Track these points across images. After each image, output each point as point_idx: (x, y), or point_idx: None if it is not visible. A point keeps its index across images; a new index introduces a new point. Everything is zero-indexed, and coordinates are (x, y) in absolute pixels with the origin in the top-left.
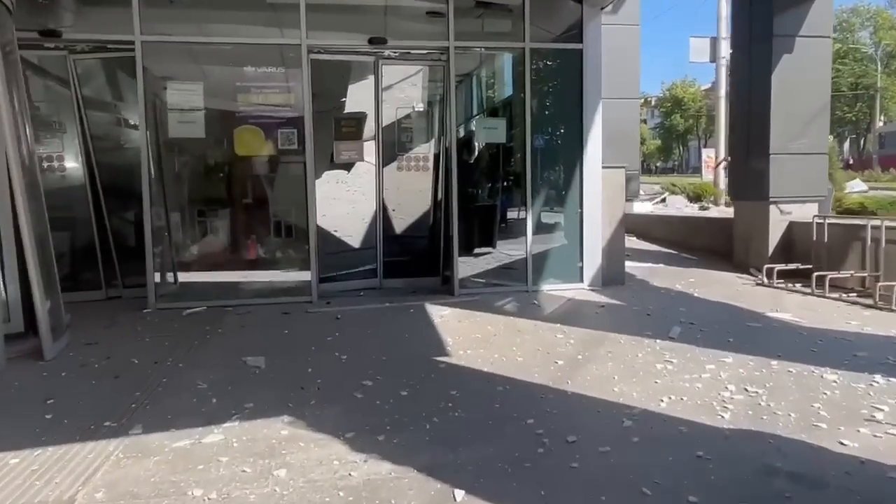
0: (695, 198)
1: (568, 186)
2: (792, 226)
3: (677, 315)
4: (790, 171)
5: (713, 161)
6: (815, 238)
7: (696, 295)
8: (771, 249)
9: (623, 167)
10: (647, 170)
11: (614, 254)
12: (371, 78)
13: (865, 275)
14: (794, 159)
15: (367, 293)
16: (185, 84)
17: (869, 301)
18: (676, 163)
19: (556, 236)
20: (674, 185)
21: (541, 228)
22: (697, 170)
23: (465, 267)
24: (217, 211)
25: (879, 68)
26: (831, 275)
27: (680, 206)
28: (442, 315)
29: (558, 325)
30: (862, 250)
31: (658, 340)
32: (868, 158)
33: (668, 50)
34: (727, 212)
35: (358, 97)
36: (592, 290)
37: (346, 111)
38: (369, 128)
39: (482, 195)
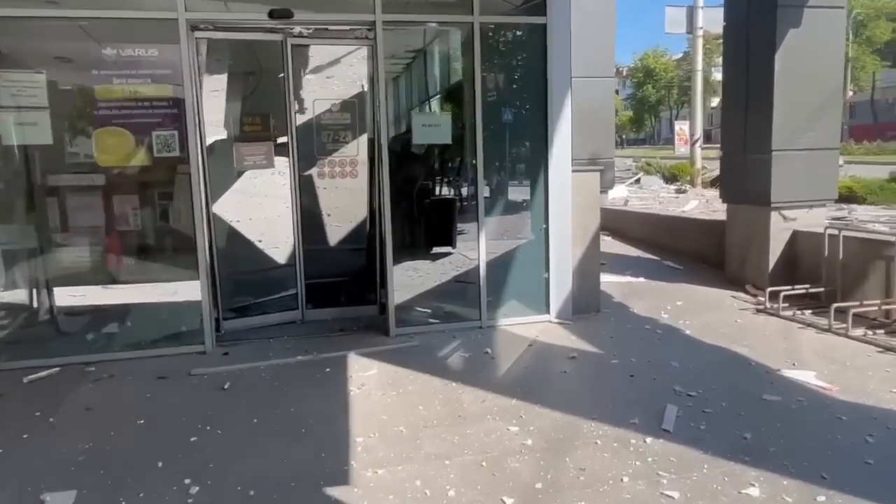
0: (671, 178)
1: (530, 196)
2: (797, 236)
3: (668, 375)
4: (796, 171)
5: (685, 134)
6: (826, 254)
7: (687, 333)
8: (772, 264)
9: (599, 169)
10: (619, 142)
11: (588, 276)
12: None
13: (895, 307)
14: (800, 157)
15: (283, 332)
16: (21, 75)
17: None
18: (648, 134)
19: (517, 257)
20: (648, 164)
21: (497, 247)
22: (669, 141)
23: (409, 288)
24: (76, 236)
25: (850, 38)
26: (854, 308)
27: (656, 189)
28: (362, 383)
29: (514, 400)
30: (887, 272)
31: (648, 439)
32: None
33: (640, 17)
34: (707, 195)
35: (268, 88)
36: (562, 323)
37: (250, 106)
38: (284, 126)
39: (431, 196)
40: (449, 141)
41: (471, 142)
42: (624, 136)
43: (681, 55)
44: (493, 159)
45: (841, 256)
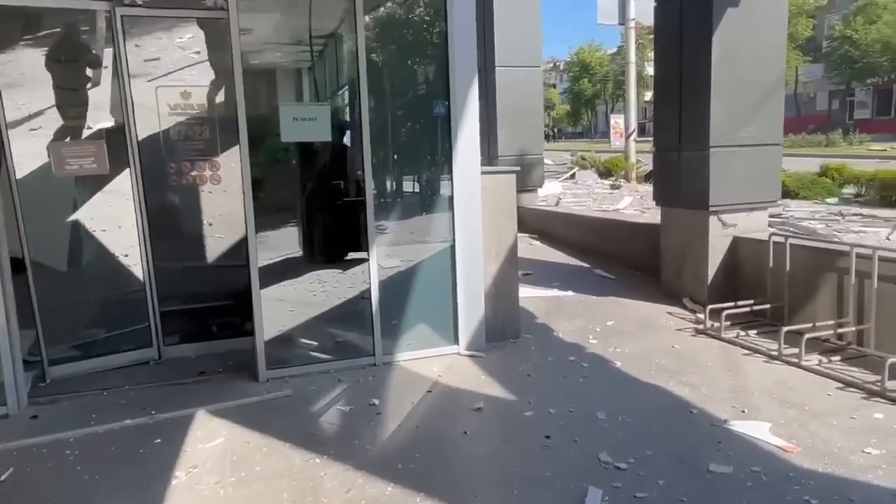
0: (605, 173)
1: (431, 207)
2: (738, 243)
3: (592, 433)
4: (736, 170)
5: (620, 127)
6: (771, 265)
7: (617, 366)
8: (711, 274)
9: (513, 171)
10: (557, 136)
11: (506, 297)
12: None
13: (851, 329)
14: (741, 154)
15: (128, 377)
16: None
17: (866, 375)
18: (585, 127)
19: (419, 277)
20: (584, 158)
21: (396, 263)
22: (606, 134)
23: (296, 312)
24: None
25: None
26: (807, 332)
27: (590, 184)
28: (194, 464)
29: (391, 487)
30: (839, 286)
31: None
32: None
33: (574, 10)
34: (642, 191)
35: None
36: (472, 356)
37: (71, 96)
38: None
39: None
40: (328, 138)
41: (357, 143)
42: (558, 130)
43: (615, 49)
44: (386, 160)
45: (788, 268)
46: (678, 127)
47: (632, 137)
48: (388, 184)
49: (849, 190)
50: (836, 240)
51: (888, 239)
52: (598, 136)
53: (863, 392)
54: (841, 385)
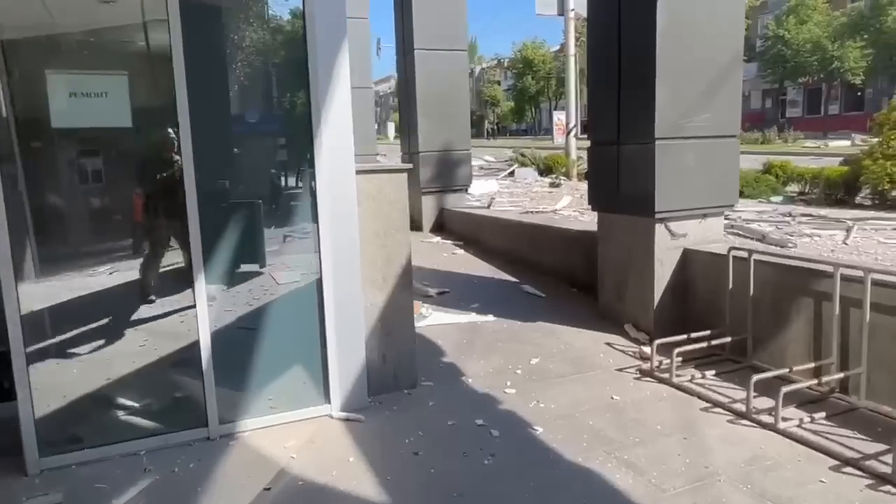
0: (546, 170)
1: (288, 225)
2: (689, 257)
3: None
4: (686, 167)
5: (563, 124)
6: (731, 285)
7: (538, 434)
8: (658, 296)
9: (404, 168)
10: (501, 132)
11: (397, 335)
12: None
13: (836, 376)
14: (692, 147)
15: None
16: None
17: (865, 443)
18: (530, 124)
19: (275, 320)
20: (523, 155)
21: (240, 309)
22: (550, 132)
23: (96, 368)
24: None
25: None
26: (783, 385)
27: (529, 182)
28: None
29: None
30: (817, 315)
31: None
32: None
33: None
34: (582, 190)
35: None
36: (347, 419)
37: None
38: None
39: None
40: (128, 123)
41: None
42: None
43: (558, 47)
44: (218, 156)
45: (752, 290)
46: (616, 116)
47: (572, 133)
48: (228, 196)
49: (793, 188)
50: (814, 257)
51: (845, 243)
52: (542, 134)
53: (868, 476)
54: (839, 462)
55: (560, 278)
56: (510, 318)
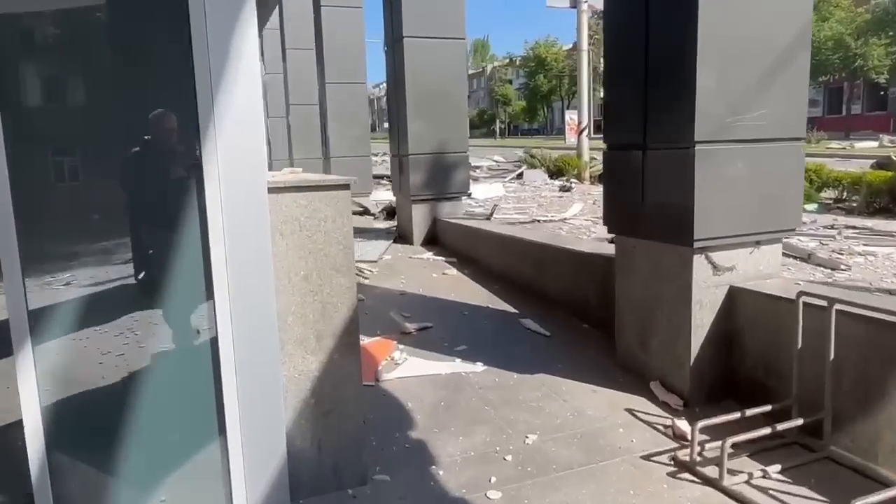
0: (556, 172)
1: (165, 255)
2: (737, 297)
3: None
4: (735, 179)
5: (576, 123)
6: (800, 343)
7: None
8: (696, 349)
9: (344, 183)
10: (513, 131)
11: (337, 414)
12: None
13: None
14: (743, 153)
15: None
16: None
17: None
18: (542, 124)
19: (152, 400)
20: (532, 156)
21: (80, 377)
22: (562, 132)
23: None
24: None
25: None
26: (886, 491)
27: (539, 185)
28: None
29: None
30: None
31: None
32: None
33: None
34: (594, 194)
35: None
36: None
37: None
38: None
39: None
40: None
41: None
42: (510, 125)
43: (571, 45)
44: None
45: (832, 353)
46: (642, 113)
47: (585, 133)
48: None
49: (827, 194)
50: None
51: None
52: (555, 133)
53: None
54: None
55: (569, 310)
56: (504, 366)
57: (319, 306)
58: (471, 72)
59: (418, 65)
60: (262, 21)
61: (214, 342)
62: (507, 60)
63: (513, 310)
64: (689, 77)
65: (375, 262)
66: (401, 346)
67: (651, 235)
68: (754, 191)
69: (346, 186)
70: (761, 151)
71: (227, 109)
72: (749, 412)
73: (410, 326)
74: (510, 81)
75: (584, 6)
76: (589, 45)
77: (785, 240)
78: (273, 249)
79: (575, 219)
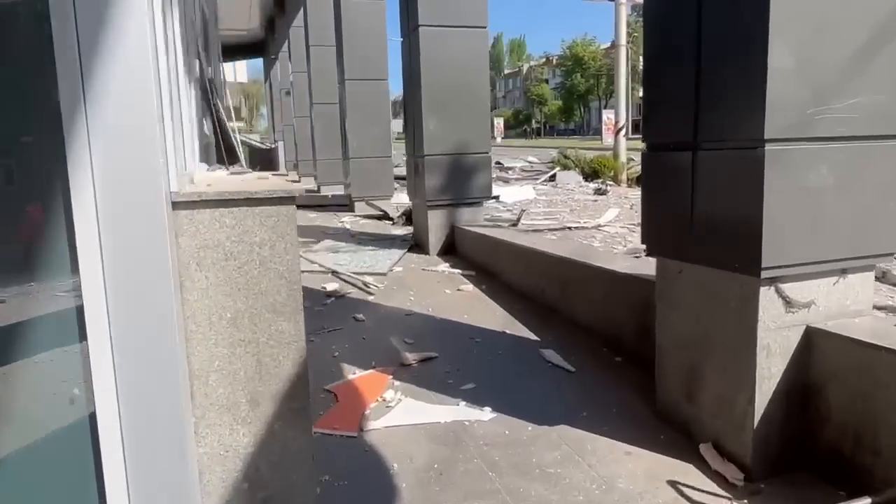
0: (591, 174)
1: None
2: (816, 341)
3: None
4: (817, 189)
5: (612, 123)
6: None
7: None
8: (762, 404)
9: (289, 196)
10: (549, 132)
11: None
12: None
13: None
14: (828, 154)
15: None
16: None
17: None
18: (578, 124)
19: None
20: (566, 157)
21: None
22: (599, 132)
23: None
24: None
25: None
26: None
27: (572, 188)
28: None
29: None
30: None
31: None
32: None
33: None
34: (632, 199)
35: None
36: None
37: None
38: None
39: None
40: None
41: None
42: (545, 125)
43: (609, 44)
44: None
45: None
46: (693, 105)
47: (622, 133)
48: None
49: None
50: None
51: None
52: (591, 134)
53: None
54: None
55: (598, 339)
56: (518, 413)
57: (254, 360)
58: (506, 71)
59: (435, 56)
60: (289, 19)
61: (92, 417)
62: (544, 60)
63: (533, 336)
64: (759, 55)
65: (384, 274)
66: (397, 383)
67: (703, 259)
68: (843, 203)
69: (289, 200)
70: (854, 152)
71: (105, 91)
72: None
73: (411, 357)
74: (546, 81)
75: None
76: (628, 41)
77: (883, 266)
78: (187, 285)
79: (610, 226)
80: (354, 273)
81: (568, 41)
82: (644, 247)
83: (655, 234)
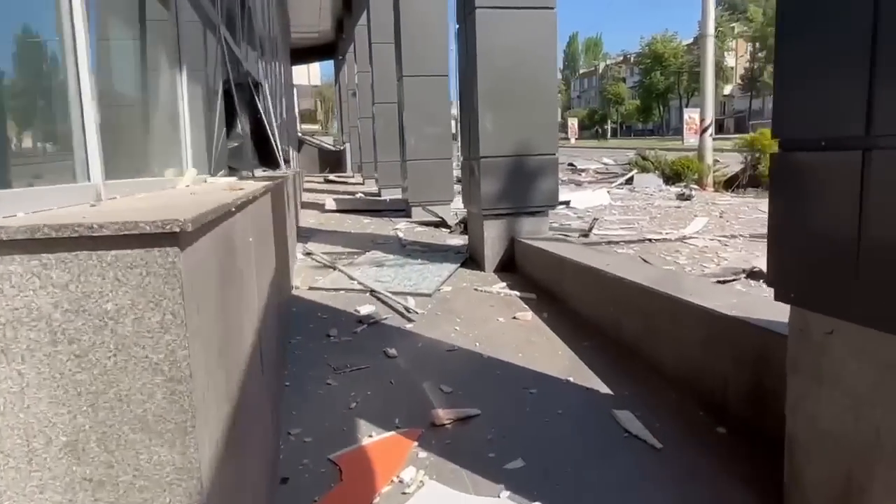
0: (673, 177)
1: None
2: None
3: None
4: None
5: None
6: None
7: None
8: None
9: (172, 230)
10: (626, 132)
11: None
12: None
13: None
14: None
15: None
16: None
17: None
18: (657, 124)
19: None
20: (645, 158)
21: None
22: (679, 131)
23: None
24: None
25: None
26: None
27: (651, 191)
28: None
29: None
30: None
31: None
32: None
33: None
34: (721, 205)
35: None
36: None
37: None
38: None
39: None
40: None
41: None
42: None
43: (691, 40)
44: None
45: None
46: (865, 84)
47: (708, 132)
48: None
49: None
50: None
51: None
52: (670, 134)
53: None
54: None
55: (693, 398)
56: None
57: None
58: (582, 70)
59: (494, 42)
60: (356, 19)
61: None
62: (621, 58)
63: (605, 389)
64: None
65: (430, 295)
66: (422, 453)
67: (874, 317)
68: None
69: (170, 239)
70: None
71: None
72: None
73: (445, 415)
74: (623, 79)
75: None
76: (715, 39)
77: None
78: None
79: (697, 237)
80: (395, 293)
81: (647, 38)
82: (742, 264)
83: (791, 273)
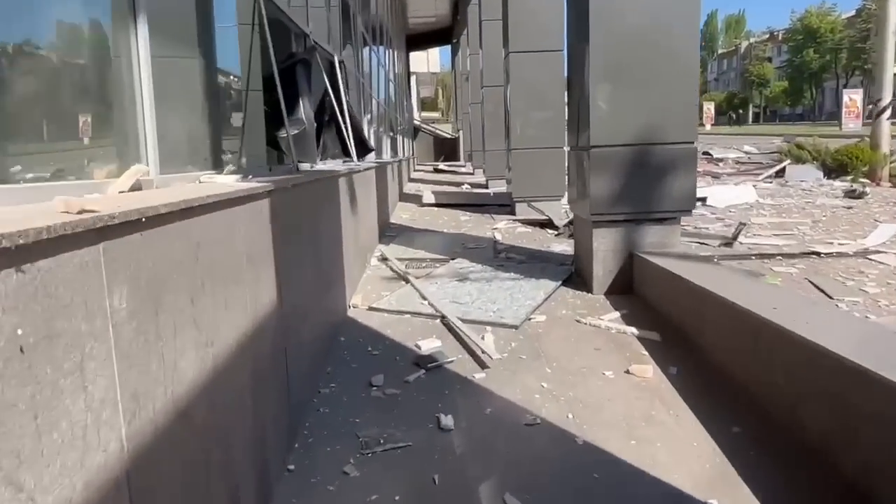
0: (835, 169)
1: None
2: None
3: None
4: None
5: (857, 106)
6: None
7: None
8: None
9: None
10: (770, 117)
11: None
12: None
13: None
14: None
15: None
16: None
17: None
18: (808, 108)
19: None
20: (800, 146)
21: None
22: (835, 115)
23: None
24: None
25: None
26: None
27: (809, 186)
28: None
29: None
30: None
31: None
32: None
33: None
34: None
35: None
36: None
37: None
38: None
39: None
40: None
41: None
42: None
43: (853, 13)
44: None
45: None
46: None
47: (885, 115)
48: None
49: None
50: None
51: None
52: (823, 118)
53: None
54: None
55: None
56: None
57: None
58: (721, 51)
59: (615, 7)
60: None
61: None
62: (767, 35)
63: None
64: None
65: (516, 328)
66: None
67: None
68: None
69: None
70: None
71: None
72: None
73: None
74: (769, 59)
75: None
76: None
77: None
78: None
79: (886, 252)
80: (472, 321)
81: (799, 12)
82: None
83: None
